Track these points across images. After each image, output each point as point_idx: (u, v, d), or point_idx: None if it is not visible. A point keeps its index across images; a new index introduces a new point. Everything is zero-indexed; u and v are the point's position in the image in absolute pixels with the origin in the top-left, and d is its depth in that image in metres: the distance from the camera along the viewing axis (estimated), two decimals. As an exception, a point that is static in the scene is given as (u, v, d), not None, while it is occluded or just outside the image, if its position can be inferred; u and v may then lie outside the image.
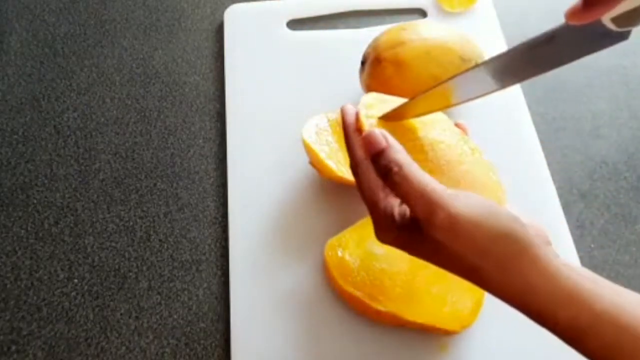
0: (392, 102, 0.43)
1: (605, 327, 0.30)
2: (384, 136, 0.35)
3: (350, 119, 0.40)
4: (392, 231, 0.35)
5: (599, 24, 0.31)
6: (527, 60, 0.35)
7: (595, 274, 0.34)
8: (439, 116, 0.46)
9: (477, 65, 0.38)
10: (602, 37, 0.32)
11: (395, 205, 0.35)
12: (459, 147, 0.44)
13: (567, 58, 0.34)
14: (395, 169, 0.34)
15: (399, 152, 0.35)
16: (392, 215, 0.35)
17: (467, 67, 0.54)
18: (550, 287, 0.31)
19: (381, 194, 0.36)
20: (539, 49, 0.34)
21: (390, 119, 0.42)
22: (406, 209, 0.35)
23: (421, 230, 0.33)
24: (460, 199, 0.32)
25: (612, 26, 0.31)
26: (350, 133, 0.39)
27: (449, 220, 0.32)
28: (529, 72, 0.36)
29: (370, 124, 0.40)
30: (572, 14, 0.32)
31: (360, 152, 0.37)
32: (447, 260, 0.33)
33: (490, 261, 0.32)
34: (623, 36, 0.32)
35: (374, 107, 0.42)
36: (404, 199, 0.34)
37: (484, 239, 0.32)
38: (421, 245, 0.34)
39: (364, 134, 0.36)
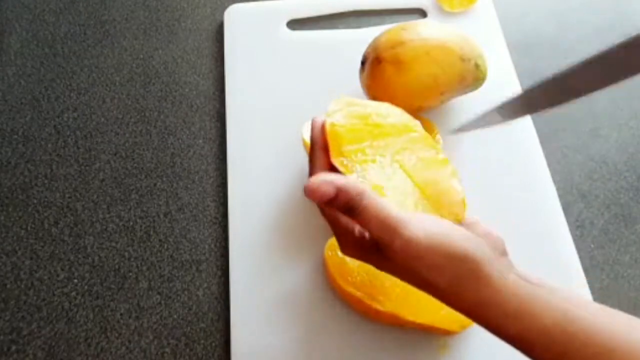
0: (359, 105, 0.43)
1: (556, 338, 0.32)
2: (330, 183, 0.35)
3: (317, 133, 0.40)
4: (355, 249, 0.37)
5: None
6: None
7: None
8: (405, 119, 0.45)
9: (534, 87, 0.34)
10: None
11: (352, 229, 0.37)
12: (426, 150, 0.44)
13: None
14: (354, 204, 0.35)
15: (350, 190, 0.35)
16: (353, 232, 0.37)
17: (467, 67, 0.55)
18: (501, 302, 0.33)
19: (339, 216, 0.37)
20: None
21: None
22: (364, 232, 0.37)
23: (381, 251, 0.35)
24: (416, 223, 0.34)
25: None
26: (315, 149, 0.40)
27: (405, 245, 0.34)
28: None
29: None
30: None
31: (320, 172, 0.38)
32: (406, 276, 0.36)
33: (445, 279, 0.34)
34: None
35: (338, 112, 0.42)
36: (364, 226, 0.35)
37: (439, 259, 0.34)
38: (382, 262, 0.36)
39: (309, 185, 0.35)
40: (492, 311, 0.34)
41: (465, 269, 0.34)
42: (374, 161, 0.41)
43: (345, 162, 0.39)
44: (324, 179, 0.35)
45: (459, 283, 0.34)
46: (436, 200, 0.41)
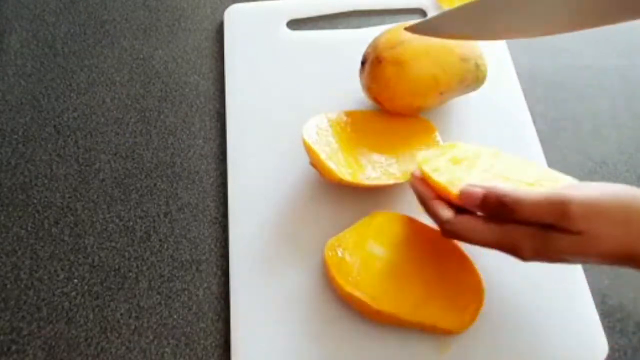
0: (442, 153, 0.48)
1: None
2: (475, 186, 0.37)
3: (421, 188, 0.43)
4: (540, 242, 0.36)
5: None
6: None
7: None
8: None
9: None
10: None
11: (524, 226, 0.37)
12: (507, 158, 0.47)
13: None
14: (506, 199, 0.35)
15: (497, 190, 0.36)
16: (529, 232, 0.36)
17: (467, 67, 0.55)
18: None
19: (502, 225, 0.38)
20: None
21: (419, 32, 0.41)
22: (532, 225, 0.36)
23: (558, 228, 0.34)
24: (578, 188, 0.34)
25: None
26: (430, 202, 0.42)
27: (582, 208, 0.33)
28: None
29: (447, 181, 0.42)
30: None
31: (448, 213, 0.40)
32: (592, 243, 0.34)
33: (632, 230, 0.33)
34: None
35: (429, 160, 0.46)
36: (528, 216, 0.35)
37: (618, 211, 0.33)
38: (562, 242, 0.34)
39: (459, 194, 0.38)
40: None
41: None
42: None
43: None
44: (469, 186, 0.37)
45: None
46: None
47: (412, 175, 0.46)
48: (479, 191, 0.37)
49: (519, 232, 0.36)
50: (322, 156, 0.50)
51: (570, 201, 0.33)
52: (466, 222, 0.38)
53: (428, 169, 0.45)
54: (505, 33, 0.35)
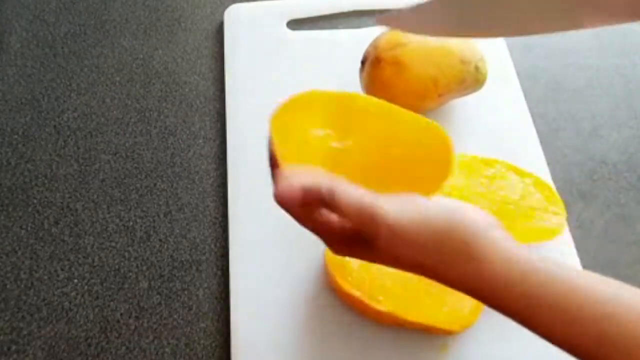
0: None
1: (558, 299, 0.31)
2: (294, 187, 0.34)
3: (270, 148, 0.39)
4: (341, 243, 0.36)
5: None
6: None
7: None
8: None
9: None
10: None
11: (333, 222, 0.36)
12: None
13: None
14: (327, 199, 0.34)
15: (320, 188, 0.34)
16: (333, 227, 0.36)
17: (466, 69, 0.55)
18: (497, 273, 0.33)
19: (316, 216, 0.36)
20: None
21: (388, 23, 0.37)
22: (344, 222, 0.36)
23: (367, 242, 0.34)
24: (396, 206, 0.33)
25: None
26: (273, 168, 0.39)
27: (390, 232, 0.33)
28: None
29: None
30: None
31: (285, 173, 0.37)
32: (397, 263, 0.35)
33: (438, 258, 0.33)
34: None
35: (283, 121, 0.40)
36: (345, 217, 0.34)
37: (428, 240, 0.33)
38: (370, 253, 0.35)
39: (276, 196, 0.35)
40: (488, 283, 0.33)
41: (455, 243, 0.33)
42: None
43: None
44: (289, 184, 0.34)
45: (450, 259, 0.33)
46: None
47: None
48: (297, 194, 0.34)
49: (327, 230, 0.36)
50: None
51: (381, 222, 0.33)
52: (286, 194, 0.35)
53: (274, 131, 0.38)
54: (488, 30, 0.33)
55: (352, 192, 0.34)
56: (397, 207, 0.34)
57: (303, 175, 0.35)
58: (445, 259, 0.33)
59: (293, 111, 0.40)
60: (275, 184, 0.37)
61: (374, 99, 0.41)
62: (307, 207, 0.35)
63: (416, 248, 0.33)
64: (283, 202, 0.35)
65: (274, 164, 0.38)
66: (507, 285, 0.32)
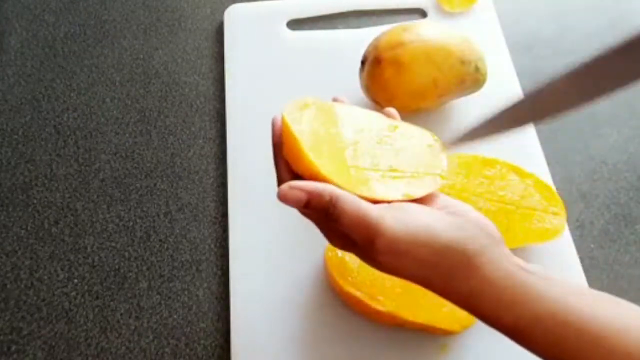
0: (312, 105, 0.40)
1: (549, 325, 0.32)
2: (300, 188, 0.35)
3: (276, 139, 0.40)
4: (341, 239, 0.36)
5: None
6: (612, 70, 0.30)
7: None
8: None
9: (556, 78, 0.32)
10: None
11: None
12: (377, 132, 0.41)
13: None
14: (330, 209, 0.34)
15: (323, 195, 0.34)
16: (337, 231, 0.36)
17: (467, 70, 0.55)
18: (494, 292, 0.33)
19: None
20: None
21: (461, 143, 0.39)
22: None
23: (366, 249, 0.34)
24: (397, 219, 0.34)
25: None
26: (276, 154, 0.40)
27: (389, 245, 0.33)
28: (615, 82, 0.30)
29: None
30: None
31: (286, 175, 0.39)
32: (394, 272, 0.35)
33: (435, 272, 0.34)
34: None
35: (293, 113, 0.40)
36: (344, 229, 0.34)
37: (426, 254, 0.33)
38: (369, 261, 0.35)
39: (279, 195, 0.36)
40: (485, 302, 0.33)
41: (455, 260, 0.33)
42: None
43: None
44: (295, 184, 0.35)
45: (450, 275, 0.33)
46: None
47: (275, 118, 0.42)
48: (301, 196, 0.34)
49: (332, 232, 0.36)
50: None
51: (380, 235, 0.33)
52: (292, 194, 0.35)
53: (290, 120, 0.39)
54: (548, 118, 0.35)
55: (356, 203, 0.34)
56: (400, 218, 0.34)
57: (306, 182, 0.36)
58: (445, 275, 0.34)
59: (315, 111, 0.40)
60: (279, 178, 0.38)
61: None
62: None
63: (416, 260, 0.33)
64: (286, 200, 0.35)
65: (278, 152, 0.39)
66: (508, 309, 0.33)
